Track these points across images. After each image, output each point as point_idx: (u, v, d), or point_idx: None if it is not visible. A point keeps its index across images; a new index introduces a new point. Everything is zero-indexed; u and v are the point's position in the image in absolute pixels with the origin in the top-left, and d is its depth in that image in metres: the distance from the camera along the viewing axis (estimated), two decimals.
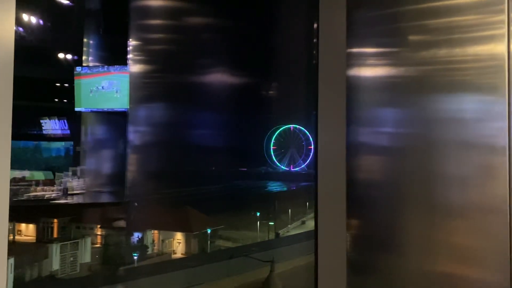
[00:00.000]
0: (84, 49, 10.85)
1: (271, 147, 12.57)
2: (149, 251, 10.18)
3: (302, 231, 11.36)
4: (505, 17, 1.73)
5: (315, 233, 1.96)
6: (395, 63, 1.93)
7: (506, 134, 1.72)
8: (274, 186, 12.71)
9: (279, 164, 12.58)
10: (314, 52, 1.95)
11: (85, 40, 10.83)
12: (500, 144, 1.72)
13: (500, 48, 1.74)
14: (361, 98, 1.94)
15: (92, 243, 9.72)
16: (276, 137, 12.53)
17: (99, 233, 10.01)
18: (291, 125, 12.39)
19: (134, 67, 9.85)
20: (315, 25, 1.93)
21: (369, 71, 1.97)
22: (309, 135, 12.27)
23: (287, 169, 12.54)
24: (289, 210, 11.61)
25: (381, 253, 1.89)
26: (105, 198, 10.87)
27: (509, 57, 1.73)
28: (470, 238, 1.77)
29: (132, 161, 10.84)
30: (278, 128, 12.48)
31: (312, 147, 12.19)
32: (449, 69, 1.83)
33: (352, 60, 1.93)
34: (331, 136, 1.85)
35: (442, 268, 1.79)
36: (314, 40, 1.94)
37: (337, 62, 1.85)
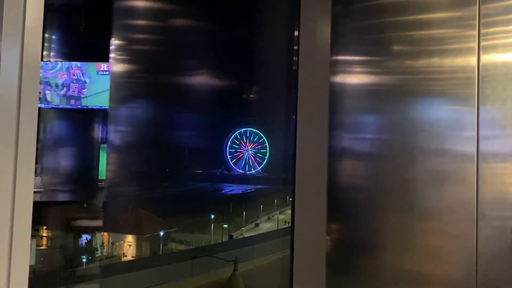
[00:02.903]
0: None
1: (227, 150, 12.57)
2: (98, 253, 9.86)
3: (255, 233, 11.44)
4: (476, 32, 1.84)
5: (291, 236, 1.97)
6: (378, 71, 1.99)
7: (475, 142, 1.82)
8: (229, 189, 12.72)
9: (235, 167, 12.60)
10: (295, 58, 1.98)
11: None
12: (469, 151, 1.81)
13: (471, 60, 1.83)
14: (344, 104, 1.99)
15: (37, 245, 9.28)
16: (232, 140, 12.54)
17: (44, 234, 9.56)
18: (248, 128, 12.45)
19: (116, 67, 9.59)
20: (296, 32, 1.97)
21: (352, 78, 2.02)
22: (265, 139, 12.39)
23: (243, 172, 12.59)
24: (244, 213, 11.67)
25: (360, 254, 1.94)
26: (58, 197, 10.45)
27: (479, 69, 1.83)
28: (441, 240, 1.85)
29: (84, 161, 10.49)
30: (235, 131, 12.50)
31: (268, 151, 12.31)
32: (427, 79, 1.90)
33: (336, 67, 1.98)
34: (311, 141, 1.88)
35: (416, 267, 1.87)
36: (295, 47, 1.98)
37: (319, 68, 1.89)
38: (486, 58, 1.82)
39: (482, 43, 1.82)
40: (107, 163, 10.01)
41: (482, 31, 1.82)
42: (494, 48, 1.81)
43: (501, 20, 1.81)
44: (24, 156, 1.10)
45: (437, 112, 1.89)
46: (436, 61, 1.88)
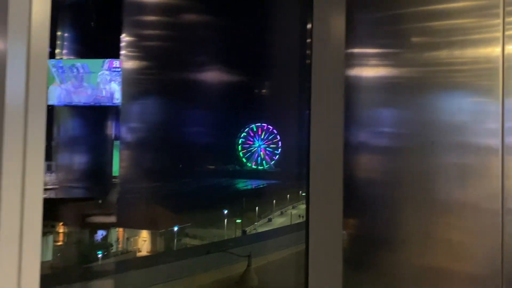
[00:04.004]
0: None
1: (239, 145, 12.59)
2: (113, 249, 9.95)
3: (269, 228, 11.46)
4: (500, 21, 1.78)
5: (306, 231, 1.93)
6: (395, 64, 1.96)
7: (499, 135, 1.77)
8: (242, 184, 12.75)
9: (247, 162, 12.61)
10: (308, 51, 1.93)
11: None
12: (494, 144, 1.76)
13: (496, 51, 1.78)
14: (360, 98, 1.95)
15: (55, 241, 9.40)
16: (244, 135, 12.55)
17: (61, 230, 9.67)
18: (260, 124, 12.45)
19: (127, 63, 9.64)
20: (309, 25, 1.92)
21: (368, 71, 1.98)
22: (277, 134, 12.37)
23: (255, 167, 12.60)
24: (256, 208, 11.69)
25: (378, 250, 1.91)
26: (74, 194, 10.59)
27: (504, 60, 1.78)
28: (464, 235, 1.81)
29: (98, 158, 10.60)
30: (247, 127, 12.50)
31: (280, 146, 12.29)
32: (448, 70, 1.86)
33: (351, 60, 1.93)
34: (326, 135, 1.83)
35: (437, 264, 1.83)
36: (308, 40, 1.93)
37: (334, 61, 1.84)
38: (511, 48, 1.76)
39: (507, 33, 1.76)
40: (120, 160, 10.08)
41: (507, 19, 1.76)
42: None
43: None
44: (33, 154, 1.09)
45: (459, 105, 1.84)
46: (457, 52, 1.83)
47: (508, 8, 1.76)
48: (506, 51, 1.76)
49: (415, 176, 1.85)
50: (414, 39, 1.90)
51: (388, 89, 1.95)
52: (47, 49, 1.10)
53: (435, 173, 1.84)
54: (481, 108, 1.81)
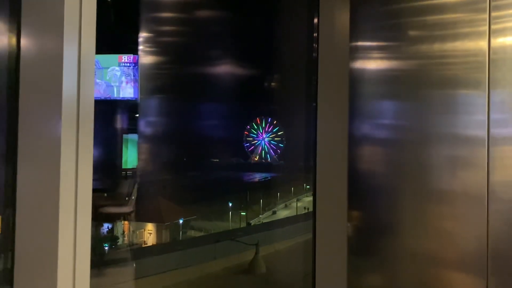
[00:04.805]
0: None
1: (245, 138, 12.63)
2: (120, 241, 10.07)
3: (273, 220, 11.54)
4: (486, 15, 1.85)
5: (313, 222, 2.00)
6: (395, 57, 2.02)
7: (486, 126, 1.84)
8: (247, 177, 12.80)
9: (252, 155, 12.67)
10: (315, 45, 2.01)
11: None
12: (481, 135, 1.85)
13: (483, 44, 1.85)
14: (363, 91, 2.01)
15: None
16: (249, 128, 12.60)
17: None
18: (264, 117, 12.48)
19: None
20: (315, 20, 2.00)
21: (371, 64, 2.04)
22: (281, 127, 12.40)
23: (260, 160, 12.65)
24: (261, 201, 11.75)
25: (379, 238, 2.01)
26: None
27: (490, 53, 1.84)
28: (454, 222, 1.90)
29: (107, 151, 10.69)
30: (252, 120, 12.55)
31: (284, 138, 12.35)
32: (441, 63, 1.93)
33: (355, 53, 2.01)
34: (332, 128, 1.91)
35: (431, 250, 1.92)
36: (314, 34, 2.01)
37: (339, 54, 1.92)
38: (496, 41, 1.84)
39: (493, 27, 1.84)
40: (129, 154, 10.20)
41: (493, 14, 1.84)
42: (503, 31, 1.83)
43: (511, 3, 1.82)
44: (84, 146, 1.24)
45: (451, 97, 1.91)
46: (449, 45, 1.90)
47: (494, 3, 1.83)
48: (492, 44, 1.84)
49: (413, 167, 1.93)
50: (412, 33, 1.97)
51: (388, 81, 2.02)
52: (94, 47, 1.25)
53: (430, 164, 1.92)
54: (470, 100, 1.89)
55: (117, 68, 10.09)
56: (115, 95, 10.11)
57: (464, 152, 1.89)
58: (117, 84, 10.11)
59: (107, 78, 10.09)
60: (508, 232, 1.80)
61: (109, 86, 10.12)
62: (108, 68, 10.08)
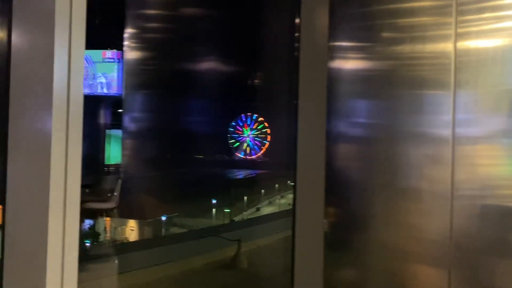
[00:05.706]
0: None
1: (229, 135, 12.63)
2: (101, 238, 10.01)
3: (256, 216, 11.57)
4: (453, 19, 1.89)
5: (292, 217, 2.03)
6: (369, 57, 2.08)
7: (451, 126, 1.89)
8: (232, 174, 12.81)
9: (236, 152, 12.68)
10: (296, 45, 2.04)
11: None
12: (446, 134, 1.89)
13: (449, 47, 1.90)
14: (339, 89, 2.05)
15: None
16: (234, 125, 12.60)
17: None
18: (249, 114, 12.50)
19: None
20: (297, 20, 2.03)
21: (347, 64, 2.10)
22: (266, 124, 12.45)
23: (244, 157, 12.67)
24: (245, 198, 11.77)
25: (353, 232, 2.06)
26: None
27: (456, 55, 1.89)
28: (420, 218, 1.96)
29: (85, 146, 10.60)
30: (237, 117, 12.55)
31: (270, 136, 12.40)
32: (411, 64, 1.99)
33: (333, 53, 2.04)
34: (311, 126, 1.94)
35: (399, 244, 1.99)
36: (296, 34, 2.04)
37: (318, 53, 1.96)
38: (461, 44, 1.89)
39: (459, 30, 1.89)
40: (112, 150, 10.18)
41: (459, 18, 1.89)
42: (468, 35, 1.89)
43: (475, 8, 1.88)
44: (74, 141, 1.26)
45: (419, 97, 1.97)
46: (418, 47, 1.95)
47: (460, 8, 1.88)
48: (458, 47, 1.89)
49: (383, 164, 1.98)
50: (385, 34, 2.02)
51: (362, 80, 2.07)
52: (84, 43, 1.26)
53: (399, 162, 1.97)
54: (436, 100, 1.95)
55: (101, 63, 10.02)
56: (99, 91, 10.07)
57: (431, 150, 1.95)
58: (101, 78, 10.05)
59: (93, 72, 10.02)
60: (471, 227, 1.88)
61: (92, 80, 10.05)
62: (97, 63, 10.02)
